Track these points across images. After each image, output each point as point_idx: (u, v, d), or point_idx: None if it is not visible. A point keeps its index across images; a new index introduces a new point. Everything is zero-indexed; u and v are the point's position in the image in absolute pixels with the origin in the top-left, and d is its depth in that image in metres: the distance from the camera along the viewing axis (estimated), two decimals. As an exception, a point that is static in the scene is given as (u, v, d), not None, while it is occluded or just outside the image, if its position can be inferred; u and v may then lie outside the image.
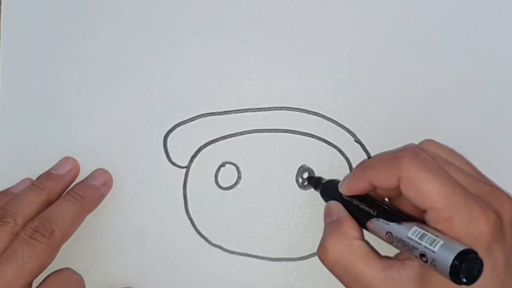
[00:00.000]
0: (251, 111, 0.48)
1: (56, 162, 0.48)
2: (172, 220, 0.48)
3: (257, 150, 0.48)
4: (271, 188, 0.48)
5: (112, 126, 0.48)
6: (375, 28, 0.48)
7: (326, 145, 0.48)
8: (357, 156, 0.48)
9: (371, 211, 0.42)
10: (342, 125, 0.48)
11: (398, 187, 0.40)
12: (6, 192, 0.46)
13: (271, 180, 0.48)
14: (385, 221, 0.40)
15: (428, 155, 0.41)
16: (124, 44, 0.49)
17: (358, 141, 0.48)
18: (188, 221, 0.48)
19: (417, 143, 0.46)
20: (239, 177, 0.48)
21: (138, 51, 0.49)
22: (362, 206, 0.42)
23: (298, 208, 0.48)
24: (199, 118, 0.48)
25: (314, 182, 0.47)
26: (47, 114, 0.49)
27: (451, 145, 0.47)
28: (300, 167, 0.48)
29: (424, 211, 0.39)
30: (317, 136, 0.48)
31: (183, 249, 0.48)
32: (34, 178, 0.47)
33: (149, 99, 0.49)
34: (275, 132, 0.48)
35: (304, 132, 0.48)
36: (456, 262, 0.35)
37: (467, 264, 0.35)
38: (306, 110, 0.48)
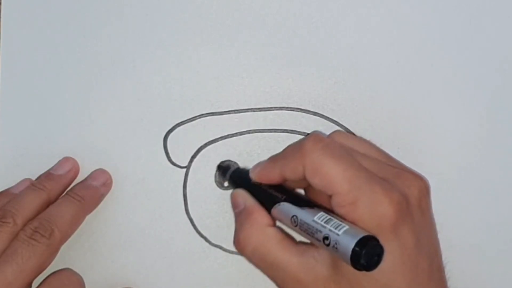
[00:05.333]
0: (251, 111, 0.48)
1: (56, 162, 0.48)
2: (172, 220, 0.48)
3: (257, 150, 0.48)
4: (271, 188, 0.48)
5: (112, 126, 0.48)
6: (375, 28, 0.48)
7: (326, 145, 0.48)
8: (357, 156, 0.48)
9: (279, 196, 0.41)
10: (342, 125, 0.48)
11: (305, 177, 0.40)
12: (6, 192, 0.46)
13: (271, 180, 0.48)
14: (292, 205, 0.40)
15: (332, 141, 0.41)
16: (124, 44, 0.49)
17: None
18: (188, 221, 0.48)
19: (416, 143, 0.46)
20: (239, 177, 0.48)
21: (138, 51, 0.49)
22: (270, 191, 0.42)
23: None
24: (199, 118, 0.48)
25: (222, 170, 0.47)
26: (47, 114, 0.49)
27: (451, 146, 0.47)
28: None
29: (330, 197, 0.39)
30: (317, 136, 0.48)
31: (183, 249, 0.48)
32: (34, 178, 0.47)
33: (149, 99, 0.48)
34: (275, 132, 0.48)
35: (304, 132, 0.48)
36: (356, 249, 0.35)
37: (367, 250, 0.35)
38: (306, 110, 0.48)
